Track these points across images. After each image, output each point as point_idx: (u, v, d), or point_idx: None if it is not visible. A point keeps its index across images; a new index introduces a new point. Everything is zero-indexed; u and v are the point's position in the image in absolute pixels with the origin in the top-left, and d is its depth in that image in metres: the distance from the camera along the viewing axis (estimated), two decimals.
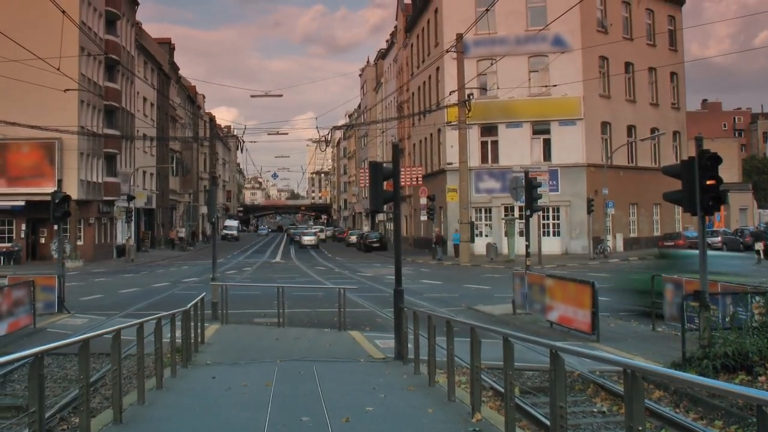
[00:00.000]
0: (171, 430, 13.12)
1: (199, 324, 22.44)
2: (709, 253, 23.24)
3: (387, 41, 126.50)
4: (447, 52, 67.11)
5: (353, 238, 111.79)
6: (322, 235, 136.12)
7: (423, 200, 75.88)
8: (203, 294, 25.30)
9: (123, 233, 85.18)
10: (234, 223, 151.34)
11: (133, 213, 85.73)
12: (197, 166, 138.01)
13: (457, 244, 66.57)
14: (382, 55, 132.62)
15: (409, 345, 18.78)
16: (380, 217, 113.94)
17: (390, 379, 17.11)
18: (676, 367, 17.49)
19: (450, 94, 67.77)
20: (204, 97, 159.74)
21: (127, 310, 32.93)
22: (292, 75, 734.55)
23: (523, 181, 42.31)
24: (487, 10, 49.29)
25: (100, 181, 76.56)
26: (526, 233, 43.64)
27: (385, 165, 21.88)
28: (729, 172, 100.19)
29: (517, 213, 65.48)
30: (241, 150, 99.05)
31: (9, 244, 68.21)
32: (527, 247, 42.41)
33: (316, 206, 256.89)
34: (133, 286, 46.13)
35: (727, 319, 20.81)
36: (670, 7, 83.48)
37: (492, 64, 68.54)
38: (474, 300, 35.97)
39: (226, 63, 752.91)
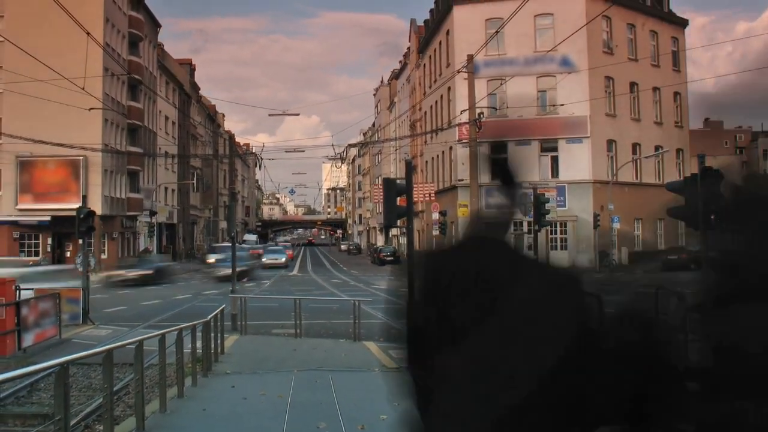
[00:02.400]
0: None
1: (219, 335, 22.46)
2: None
3: (400, 62, 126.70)
4: (458, 72, 67.01)
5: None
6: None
7: (435, 215, 75.72)
8: (223, 306, 25.32)
9: (145, 247, 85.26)
10: (253, 237, 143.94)
11: (155, 228, 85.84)
12: (217, 183, 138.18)
13: None
14: (396, 75, 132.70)
15: None
16: (394, 231, 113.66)
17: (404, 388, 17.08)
18: None
19: (461, 113, 67.82)
20: (224, 115, 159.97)
21: (150, 321, 32.97)
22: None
23: (532, 197, 42.40)
24: (497, 32, 49.44)
25: (123, 197, 76.75)
26: (534, 247, 43.66)
27: (398, 181, 21.94)
28: None
29: (526, 228, 65.34)
30: (260, 167, 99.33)
31: (37, 258, 68.35)
32: None
33: (331, 221, 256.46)
34: (155, 298, 46.16)
35: None
36: (673, 29, 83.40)
37: (502, 84, 68.63)
38: None
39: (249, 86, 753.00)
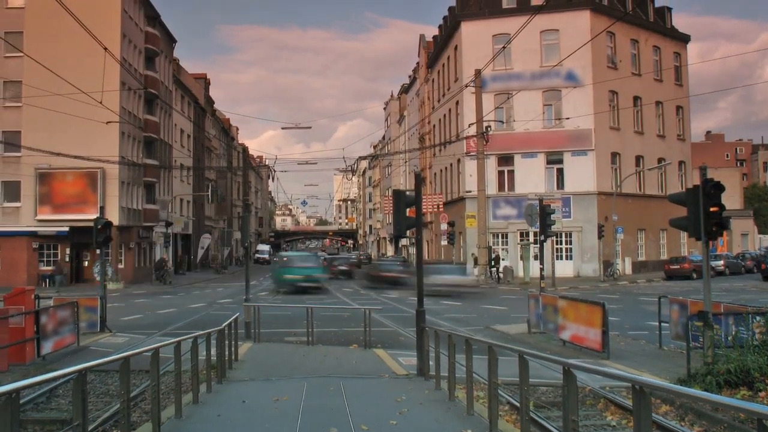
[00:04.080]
0: None
1: (233, 342, 22.47)
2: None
3: (410, 77, 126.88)
4: (466, 86, 67.25)
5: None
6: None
7: (443, 226, 75.87)
8: (237, 314, 25.29)
9: (161, 257, 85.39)
10: (266, 247, 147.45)
11: (170, 238, 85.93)
12: (231, 194, 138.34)
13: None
14: (405, 89, 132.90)
15: (431, 362, 18.81)
16: (403, 242, 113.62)
17: (412, 394, 17.09)
18: (681, 383, 17.49)
19: (469, 127, 68.02)
20: (237, 129, 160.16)
21: (166, 329, 32.98)
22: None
23: (538, 208, 42.41)
24: (504, 47, 49.31)
25: (139, 208, 76.83)
26: (540, 257, 43.71)
27: (408, 193, 21.93)
28: (731, 199, 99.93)
29: (532, 238, 65.36)
30: (272, 179, 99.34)
31: (54, 267, 68.47)
32: (541, 270, 42.40)
33: (342, 232, 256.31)
34: (171, 307, 46.18)
35: (729, 338, 20.83)
36: (675, 45, 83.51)
37: (508, 98, 68.76)
38: (491, 320, 35.91)
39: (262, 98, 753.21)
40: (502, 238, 72.35)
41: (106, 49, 34.34)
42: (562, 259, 69.22)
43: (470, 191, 70.37)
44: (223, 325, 20.60)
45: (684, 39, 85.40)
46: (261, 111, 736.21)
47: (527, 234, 67.82)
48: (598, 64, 70.83)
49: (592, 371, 10.60)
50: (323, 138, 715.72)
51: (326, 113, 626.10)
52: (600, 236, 65.15)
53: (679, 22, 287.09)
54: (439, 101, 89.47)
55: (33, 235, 68.41)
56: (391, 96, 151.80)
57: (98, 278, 39.45)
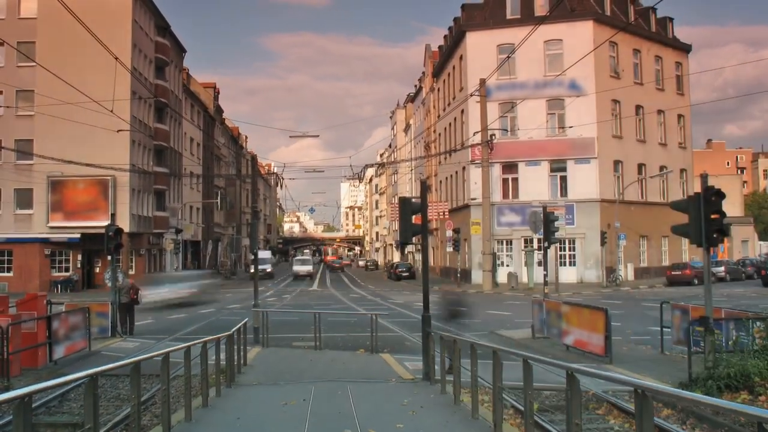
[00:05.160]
0: None
1: (241, 347, 22.53)
2: None
3: (415, 86, 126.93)
4: (471, 95, 67.35)
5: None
6: None
7: (449, 233, 75.80)
8: (246, 320, 25.33)
9: (171, 263, 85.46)
10: (267, 254, 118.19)
11: (180, 245, 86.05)
12: (240, 201, 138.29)
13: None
14: (411, 98, 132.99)
15: (436, 366, 18.84)
16: (409, 248, 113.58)
17: (418, 398, 17.09)
18: (683, 387, 17.48)
19: (474, 135, 68.03)
20: (246, 137, 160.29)
21: (176, 334, 33.06)
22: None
23: (542, 215, 42.45)
24: (508, 57, 49.60)
25: (150, 215, 76.98)
26: (544, 263, 43.70)
27: (413, 200, 21.97)
28: (732, 206, 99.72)
29: (536, 244, 65.29)
30: (281, 186, 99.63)
31: (68, 274, 68.63)
32: (545, 276, 42.41)
33: (350, 238, 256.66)
34: (181, 312, 46.26)
35: (730, 343, 20.84)
36: (677, 54, 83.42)
37: (513, 107, 68.76)
38: (496, 325, 35.88)
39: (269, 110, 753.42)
40: (507, 244, 72.26)
41: (117, 58, 34.36)
42: (565, 265, 69.21)
43: (475, 198, 70.34)
44: (232, 330, 20.62)
45: (685, 49, 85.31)
46: (299, 116, 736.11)
47: (531, 240, 67.73)
48: (600, 74, 70.77)
49: (595, 376, 10.61)
50: (356, 145, 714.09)
51: (363, 118, 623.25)
52: (603, 243, 65.12)
53: (681, 32, 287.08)
54: (444, 110, 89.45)
55: (45, 241, 68.60)
56: (398, 105, 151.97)
57: (109, 284, 39.48)
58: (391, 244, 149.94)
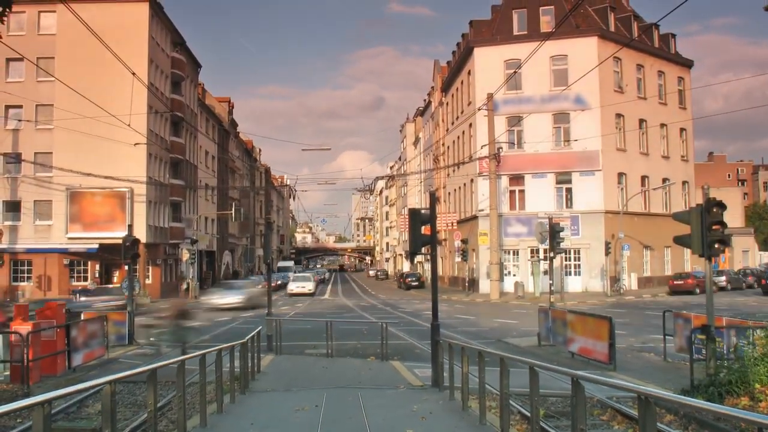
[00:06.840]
0: None
1: (255, 355, 22.58)
2: None
3: (425, 100, 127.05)
4: (479, 109, 67.42)
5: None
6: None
7: (457, 243, 75.87)
8: (259, 328, 25.34)
9: (187, 273, 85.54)
10: (290, 263, 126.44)
11: (195, 255, 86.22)
12: (254, 213, 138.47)
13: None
14: (420, 112, 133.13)
15: (445, 374, 18.84)
16: (418, 258, 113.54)
17: (427, 404, 17.09)
18: (685, 394, 17.45)
19: (481, 148, 68.12)
20: (260, 150, 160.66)
21: (191, 342, 33.13)
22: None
23: (548, 226, 42.43)
24: (515, 72, 49.55)
25: (166, 226, 77.09)
26: (550, 273, 43.80)
27: (423, 211, 21.97)
28: (732, 217, 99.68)
29: (542, 254, 65.27)
30: (293, 198, 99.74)
31: (86, 283, 68.73)
32: (551, 285, 42.47)
33: (360, 249, 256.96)
34: (197, 321, 46.30)
35: (731, 351, 20.78)
36: (679, 69, 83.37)
37: (519, 120, 68.83)
38: (503, 333, 35.91)
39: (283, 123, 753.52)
40: (514, 254, 72.21)
41: (134, 74, 34.52)
42: (570, 275, 69.15)
43: (483, 210, 70.38)
44: (246, 338, 20.69)
45: (687, 64, 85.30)
46: (317, 129, 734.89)
47: (537, 251, 67.70)
48: (605, 88, 70.74)
49: (599, 382, 10.60)
50: (392, 156, 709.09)
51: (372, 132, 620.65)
52: (607, 253, 65.13)
53: (683, 47, 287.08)
54: (452, 123, 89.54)
55: (64, 252, 68.66)
56: (407, 118, 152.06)
57: (126, 293, 39.53)
58: (400, 254, 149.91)
